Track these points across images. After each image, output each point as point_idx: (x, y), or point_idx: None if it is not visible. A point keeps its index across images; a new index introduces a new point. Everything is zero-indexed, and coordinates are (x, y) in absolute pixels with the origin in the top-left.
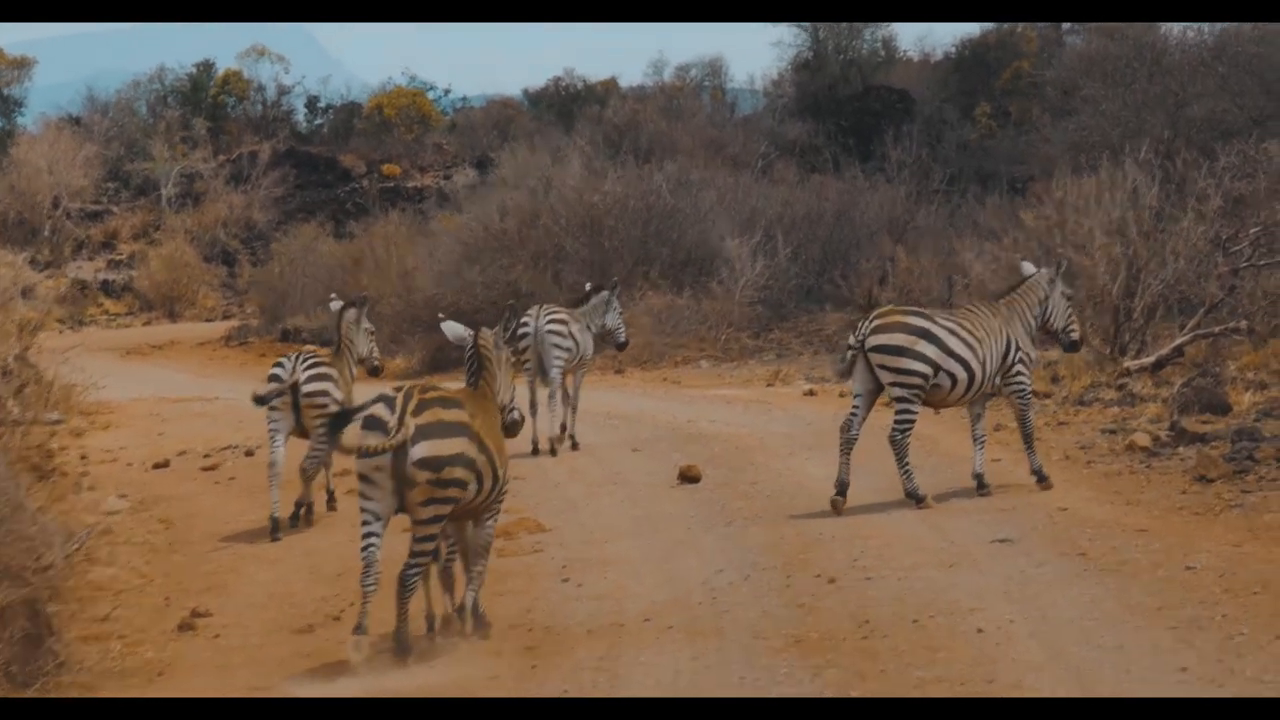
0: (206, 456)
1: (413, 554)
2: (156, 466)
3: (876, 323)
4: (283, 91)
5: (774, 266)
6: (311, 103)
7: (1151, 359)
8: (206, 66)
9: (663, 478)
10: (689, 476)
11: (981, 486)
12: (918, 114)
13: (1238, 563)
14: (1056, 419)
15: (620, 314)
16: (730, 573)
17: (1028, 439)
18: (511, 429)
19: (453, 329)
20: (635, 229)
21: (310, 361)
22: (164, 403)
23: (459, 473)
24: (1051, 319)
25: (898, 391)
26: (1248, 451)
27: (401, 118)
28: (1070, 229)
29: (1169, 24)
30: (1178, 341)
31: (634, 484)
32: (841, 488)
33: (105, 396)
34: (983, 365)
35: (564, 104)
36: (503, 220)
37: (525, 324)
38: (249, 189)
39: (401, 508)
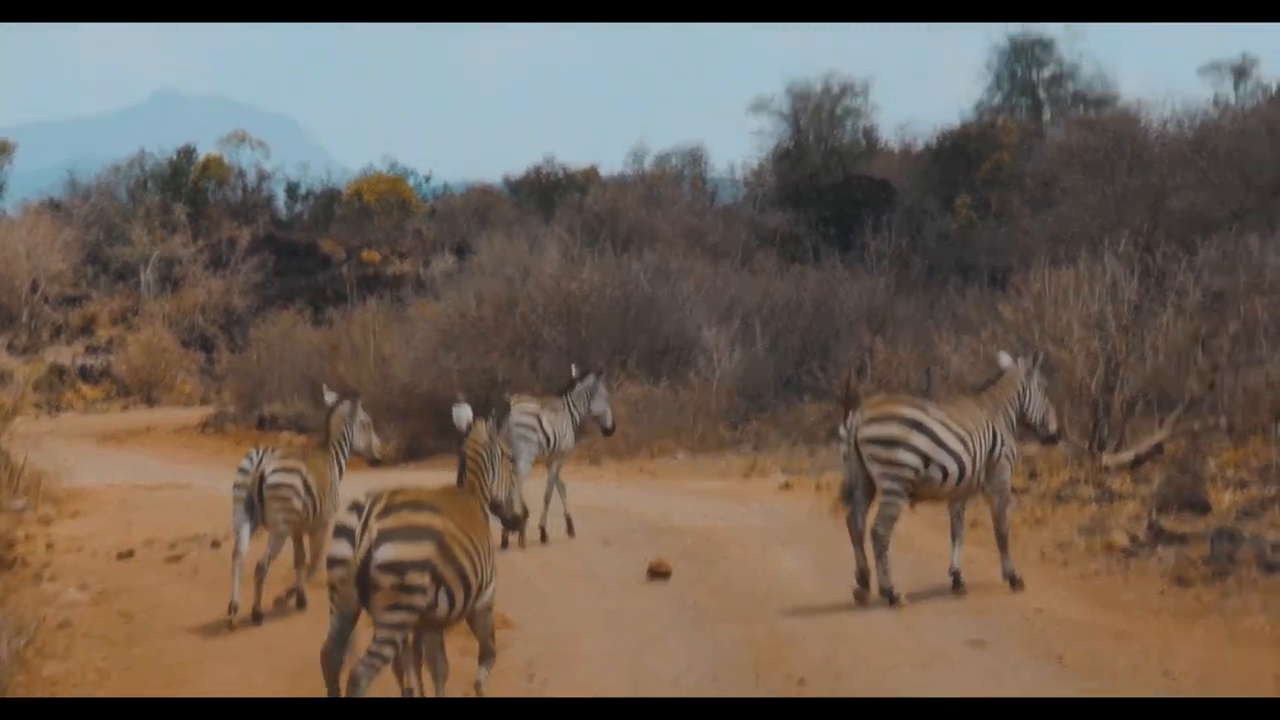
0: (172, 546)
1: (369, 653)
2: (121, 556)
3: (869, 413)
4: (263, 177)
5: (751, 357)
6: (292, 189)
7: (1130, 455)
8: (187, 152)
9: (634, 572)
10: (660, 571)
11: (957, 584)
12: (898, 204)
13: (1217, 669)
14: (1034, 516)
15: (606, 399)
16: (699, 671)
17: (1003, 540)
18: (512, 525)
19: (460, 414)
20: (613, 318)
21: (277, 455)
22: (136, 490)
23: (422, 579)
24: (1029, 411)
25: (886, 484)
26: (1227, 553)
27: (381, 204)
28: (1049, 322)
29: (1149, 117)
30: (1157, 438)
31: (604, 578)
32: (862, 577)
33: (78, 483)
34: (973, 459)
35: (544, 192)
36: (479, 307)
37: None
38: (228, 274)
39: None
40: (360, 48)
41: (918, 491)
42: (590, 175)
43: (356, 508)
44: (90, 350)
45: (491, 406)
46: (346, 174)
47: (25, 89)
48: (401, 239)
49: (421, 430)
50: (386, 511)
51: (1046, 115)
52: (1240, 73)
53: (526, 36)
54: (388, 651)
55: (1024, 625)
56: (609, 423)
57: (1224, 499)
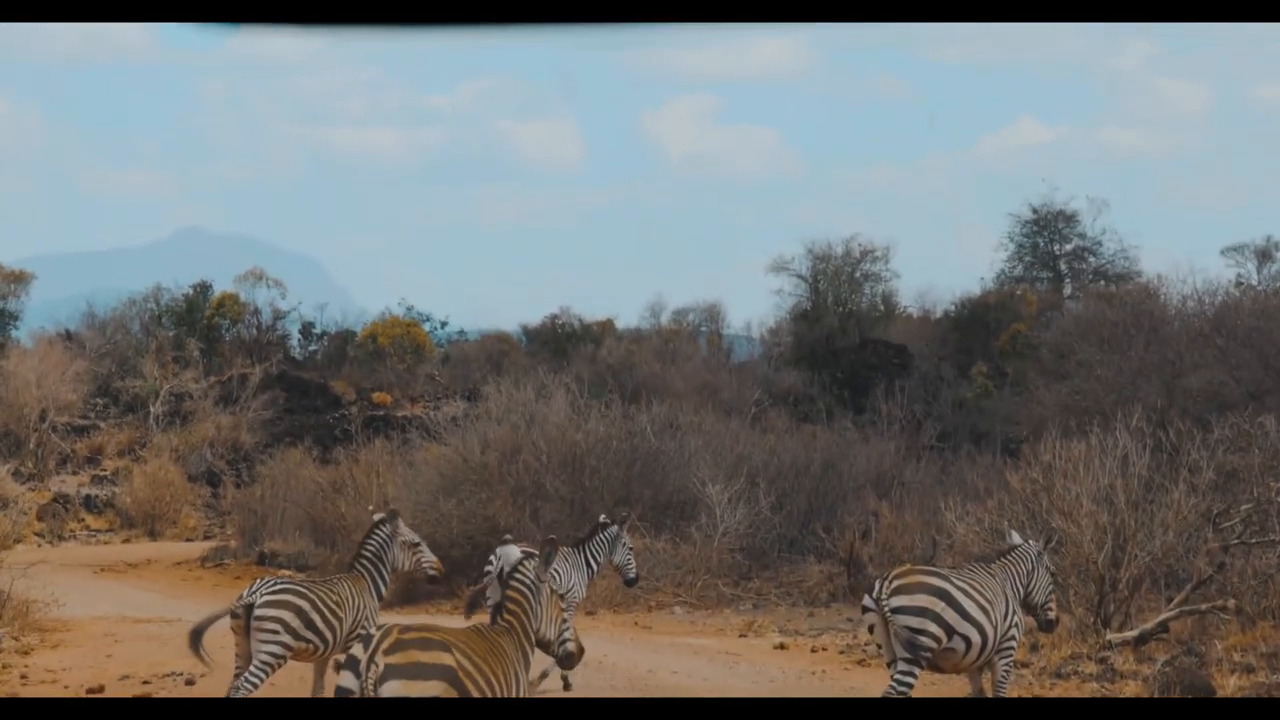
0: (145, 684)
1: None
2: (90, 692)
3: (897, 583)
4: (278, 316)
5: (756, 515)
6: (307, 329)
7: (1135, 633)
8: (203, 288)
9: None
10: None
11: None
12: (914, 369)
13: None
14: (1032, 692)
15: (630, 549)
16: None
17: None
18: (565, 661)
19: (508, 554)
20: (618, 469)
21: (272, 586)
22: (123, 623)
23: None
24: (1034, 593)
25: (909, 653)
26: None
27: (395, 347)
28: (1057, 494)
29: (1168, 293)
30: (1163, 616)
31: None
32: None
33: (68, 614)
34: (995, 629)
35: (559, 341)
36: (483, 454)
37: (489, 564)
38: (238, 410)
39: None
40: (387, 195)
41: (938, 662)
42: (606, 327)
43: (365, 639)
44: (96, 480)
45: (542, 546)
46: (364, 316)
47: (51, 220)
48: (413, 382)
49: (416, 574)
50: (395, 647)
51: (1067, 289)
52: (1264, 255)
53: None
54: None
55: None
56: (632, 574)
57: (1229, 684)
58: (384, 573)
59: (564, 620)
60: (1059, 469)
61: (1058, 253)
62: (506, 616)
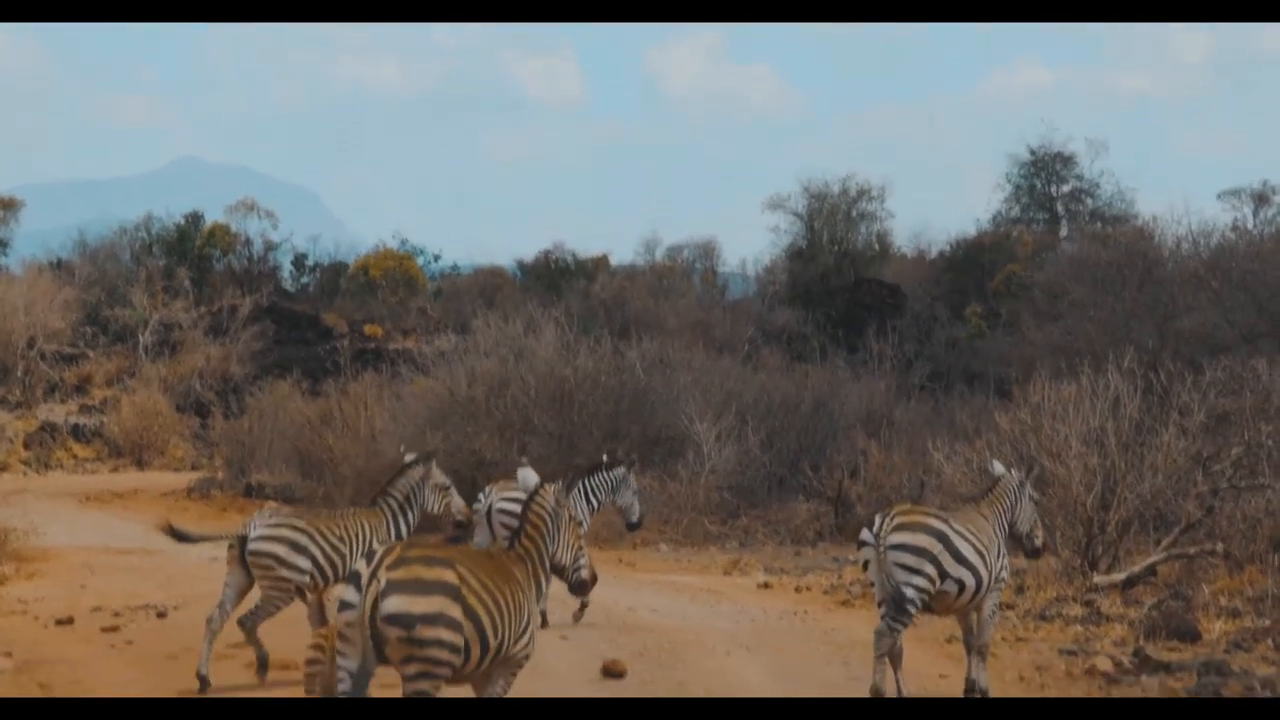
0: (116, 615)
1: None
2: (60, 623)
3: (899, 520)
4: (270, 247)
5: (744, 453)
6: (299, 260)
7: (1122, 575)
8: (195, 218)
9: (585, 671)
10: (613, 672)
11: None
12: (908, 309)
13: None
14: (1015, 634)
15: (636, 491)
16: None
17: (982, 650)
18: (578, 589)
19: (526, 477)
20: (607, 405)
21: (269, 519)
22: (104, 553)
23: (438, 633)
24: (1018, 523)
25: (909, 592)
26: (1214, 688)
27: (387, 279)
28: (1046, 435)
29: (1163, 234)
30: (1151, 560)
31: (553, 676)
32: (876, 693)
33: (49, 543)
34: (989, 572)
35: (552, 276)
36: (471, 387)
37: (477, 503)
38: (228, 341)
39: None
40: (387, 128)
41: (933, 604)
42: (600, 263)
43: (369, 555)
44: (84, 409)
45: (565, 472)
46: (359, 249)
47: (46, 148)
48: (405, 316)
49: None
50: (398, 563)
51: (1064, 230)
52: (1260, 199)
53: (550, 125)
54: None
55: None
56: (635, 517)
57: (1215, 628)
58: (411, 514)
59: (579, 547)
60: (1048, 410)
61: (1055, 194)
62: (524, 542)
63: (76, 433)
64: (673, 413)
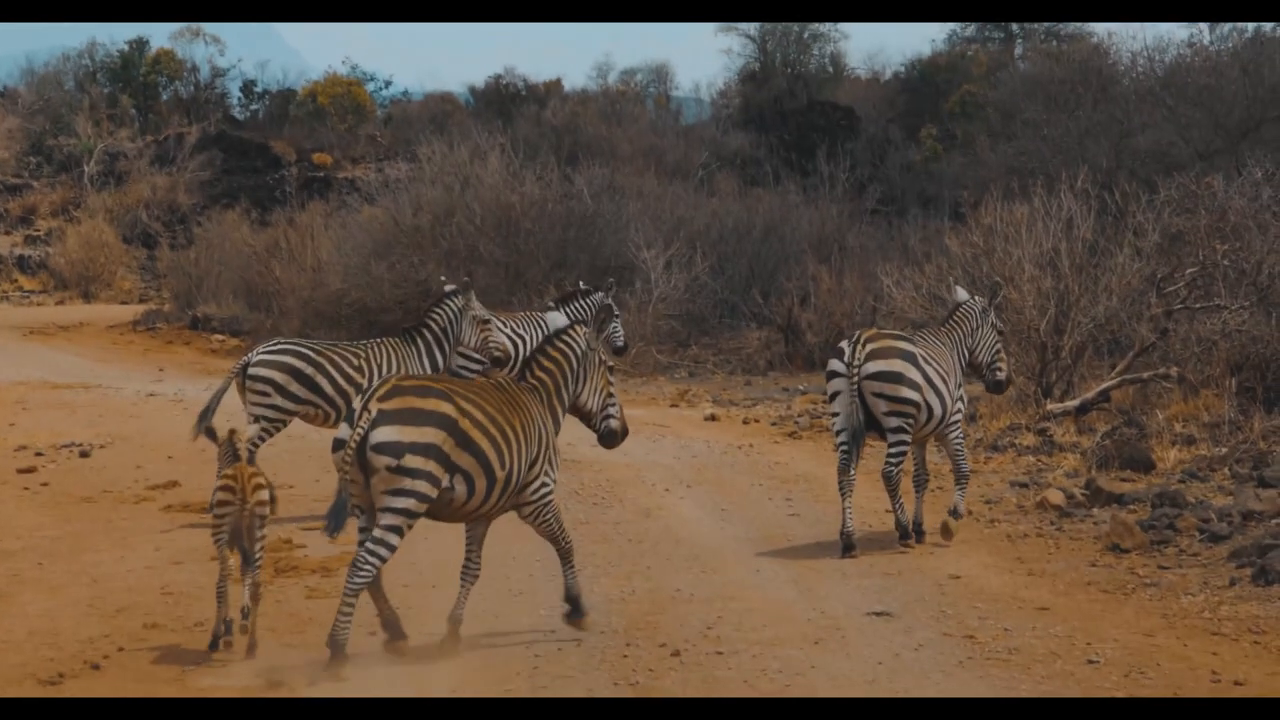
0: (37, 455)
1: (371, 540)
2: None
3: (871, 346)
4: (217, 74)
5: (693, 280)
6: (248, 87)
7: (1076, 402)
8: (139, 44)
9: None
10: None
11: (919, 536)
12: (863, 132)
13: (1147, 657)
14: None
15: (617, 317)
16: (564, 634)
17: (963, 478)
18: (607, 439)
19: (554, 320)
20: (554, 233)
21: (273, 344)
22: (40, 388)
23: (424, 463)
24: (978, 352)
25: (894, 421)
26: (1168, 520)
27: (335, 106)
28: (998, 258)
29: (1118, 50)
30: (1104, 385)
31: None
32: (847, 540)
33: None
34: (952, 398)
35: (503, 103)
36: (416, 216)
37: None
38: (175, 171)
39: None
40: None
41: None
42: (553, 88)
43: (363, 391)
44: (29, 241)
45: (598, 312)
46: (309, 76)
47: None
48: (355, 143)
49: (347, 337)
50: (391, 394)
51: (1019, 49)
52: None
53: None
54: (392, 539)
55: (936, 595)
56: (621, 341)
57: (1170, 456)
58: (447, 346)
59: (609, 394)
60: (1000, 232)
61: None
62: (538, 373)
63: (22, 264)
64: (621, 240)
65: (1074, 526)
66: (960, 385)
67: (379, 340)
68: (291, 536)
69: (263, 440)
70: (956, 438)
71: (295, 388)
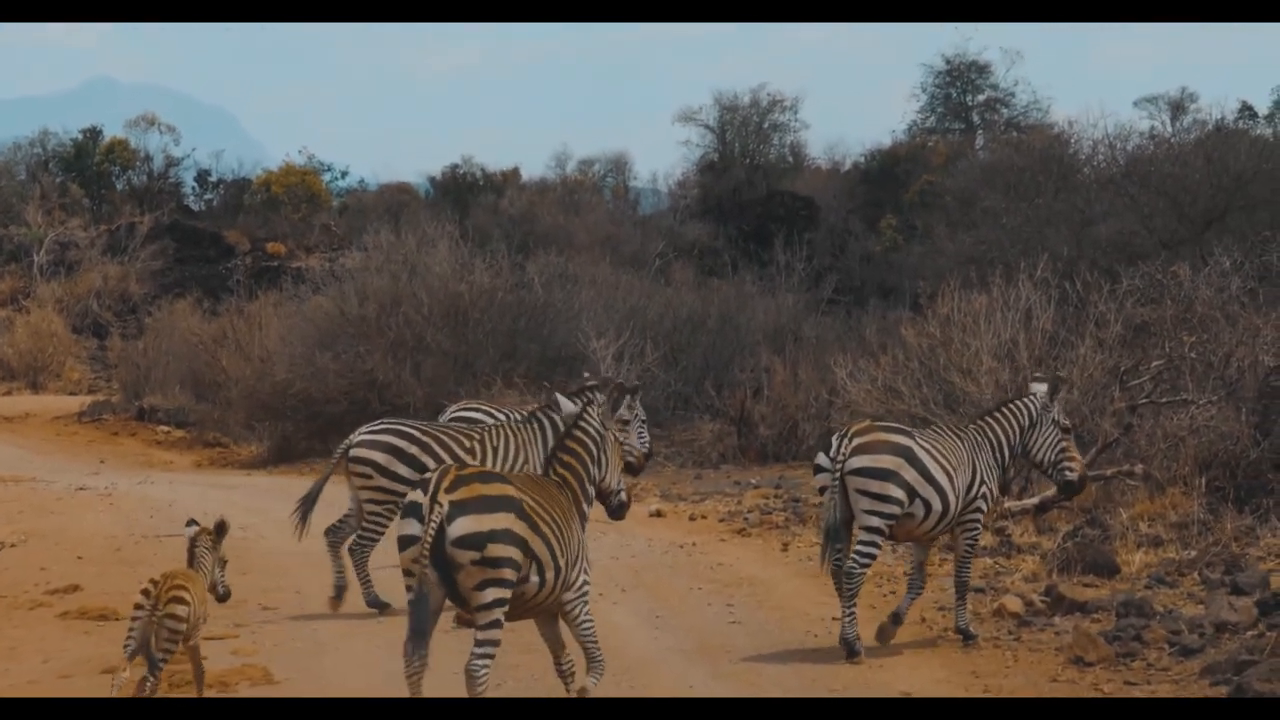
0: None
1: (477, 642)
2: None
3: (858, 440)
4: (171, 163)
5: (645, 372)
6: (202, 176)
7: (1035, 500)
8: (93, 133)
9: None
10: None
11: (860, 652)
12: (822, 223)
13: None
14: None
15: (644, 421)
16: None
17: (962, 588)
18: (618, 512)
19: (566, 406)
20: (504, 323)
21: (377, 424)
22: None
23: (508, 550)
24: (1038, 451)
25: (873, 521)
26: (1135, 630)
27: (289, 196)
28: (955, 349)
29: (1080, 139)
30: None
31: (402, 625)
32: (850, 649)
33: None
34: (957, 497)
35: (460, 192)
36: (362, 305)
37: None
38: (126, 260)
39: (455, 598)
40: (302, 46)
41: (896, 530)
42: (510, 177)
43: (421, 483)
44: None
45: (611, 390)
46: (265, 165)
47: None
48: (309, 233)
49: (294, 432)
50: (456, 484)
51: (979, 141)
52: (1178, 107)
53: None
54: (495, 635)
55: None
56: (646, 447)
57: (1135, 559)
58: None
59: (619, 473)
60: (958, 322)
61: (970, 104)
62: (560, 470)
63: None
64: (572, 331)
65: (1033, 636)
66: (982, 486)
67: (494, 424)
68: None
69: (374, 532)
70: (966, 544)
71: (399, 468)
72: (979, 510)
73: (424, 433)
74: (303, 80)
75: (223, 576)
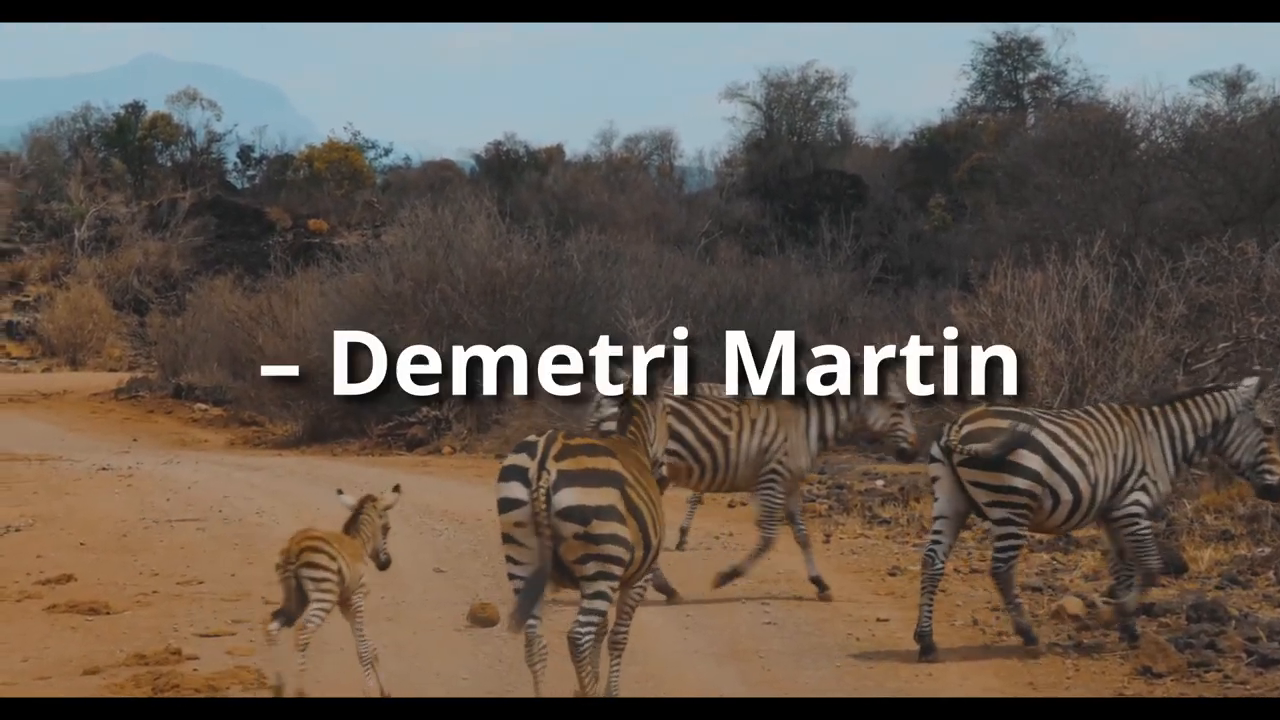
0: None
1: (582, 611)
2: None
3: (969, 428)
4: (213, 139)
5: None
6: (244, 153)
7: None
8: (136, 109)
9: (452, 615)
10: (482, 619)
11: (1038, 639)
12: (870, 201)
13: None
14: (969, 564)
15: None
16: None
17: (1146, 578)
18: (661, 485)
19: (617, 375)
20: (542, 301)
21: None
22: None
23: (613, 527)
24: (1234, 451)
25: (999, 513)
26: (1208, 637)
27: (331, 172)
28: (1008, 330)
29: (1136, 113)
30: None
31: (413, 621)
32: (924, 640)
33: None
34: (1093, 486)
35: (504, 169)
36: (397, 282)
37: None
38: (168, 236)
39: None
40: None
41: (1027, 520)
42: (554, 155)
43: (528, 446)
44: (18, 306)
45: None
46: (308, 142)
47: (2, 47)
48: (351, 210)
49: (327, 412)
50: (564, 453)
51: (1030, 119)
52: (1234, 85)
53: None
54: (600, 605)
55: None
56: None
57: (1204, 557)
58: (842, 417)
59: (665, 443)
60: (1010, 302)
61: (1021, 81)
62: (633, 430)
63: (11, 330)
64: (612, 309)
65: (1096, 641)
66: (1142, 477)
67: (758, 398)
68: (182, 646)
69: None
70: (1130, 540)
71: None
72: (1138, 504)
73: (683, 401)
74: (349, 58)
75: (384, 544)
